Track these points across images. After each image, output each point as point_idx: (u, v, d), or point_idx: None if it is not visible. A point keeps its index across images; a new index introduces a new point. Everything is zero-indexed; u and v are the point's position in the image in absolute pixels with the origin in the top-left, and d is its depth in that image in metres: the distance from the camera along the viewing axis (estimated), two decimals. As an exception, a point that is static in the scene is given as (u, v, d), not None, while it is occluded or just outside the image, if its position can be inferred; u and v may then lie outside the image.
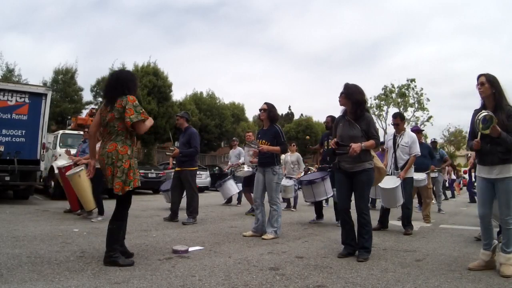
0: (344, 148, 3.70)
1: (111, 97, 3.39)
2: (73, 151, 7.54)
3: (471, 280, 3.02)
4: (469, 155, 9.80)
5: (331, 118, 6.12)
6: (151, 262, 3.38)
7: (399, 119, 5.58)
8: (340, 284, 2.84)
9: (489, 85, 3.22)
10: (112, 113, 3.35)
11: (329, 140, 4.12)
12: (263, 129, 5.12)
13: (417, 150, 5.40)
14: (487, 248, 3.33)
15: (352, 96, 3.82)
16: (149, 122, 3.48)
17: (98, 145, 3.60)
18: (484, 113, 3.07)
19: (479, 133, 3.15)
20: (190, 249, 3.93)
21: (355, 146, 3.60)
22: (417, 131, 6.88)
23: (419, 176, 6.22)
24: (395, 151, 5.48)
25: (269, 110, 4.95)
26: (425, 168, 6.51)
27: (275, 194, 4.89)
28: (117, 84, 3.41)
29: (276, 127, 4.94)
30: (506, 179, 3.16)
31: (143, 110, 3.41)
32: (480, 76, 3.28)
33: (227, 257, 3.68)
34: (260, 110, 5.04)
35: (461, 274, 3.19)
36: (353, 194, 3.90)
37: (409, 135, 5.48)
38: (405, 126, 5.74)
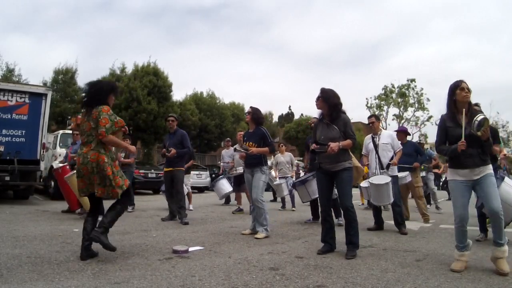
0: (323, 147, 3.86)
1: (91, 106, 3.51)
2: (63, 152, 7.59)
3: (471, 280, 3.02)
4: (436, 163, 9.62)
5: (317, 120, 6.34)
6: (151, 262, 3.38)
7: (374, 119, 5.88)
8: (340, 284, 2.85)
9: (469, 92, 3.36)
10: (89, 122, 3.48)
11: (311, 142, 4.27)
12: (249, 131, 5.34)
13: (399, 144, 5.72)
14: (466, 249, 3.40)
15: (329, 99, 3.99)
16: (113, 142, 3.47)
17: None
18: (481, 116, 3.16)
19: (463, 136, 3.21)
20: (190, 249, 3.93)
21: (333, 145, 3.77)
22: (403, 131, 7.03)
23: (400, 174, 6.29)
24: (377, 152, 5.66)
25: (253, 113, 5.25)
26: (409, 167, 6.57)
27: (261, 192, 5.02)
28: (96, 94, 3.53)
29: (262, 129, 5.19)
30: (486, 175, 3.27)
31: (118, 119, 3.48)
32: (463, 82, 3.37)
33: (227, 257, 3.68)
34: (245, 113, 5.36)
35: (461, 274, 3.19)
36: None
37: (386, 134, 5.79)
38: (380, 126, 6.04)
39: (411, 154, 6.65)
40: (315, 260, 3.60)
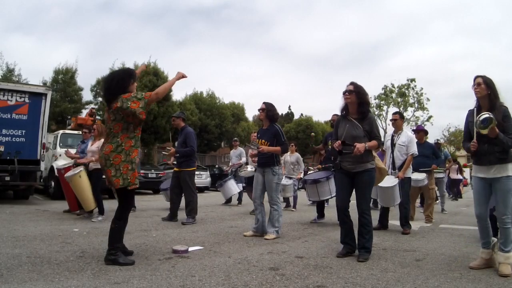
0: (348, 147, 3.68)
1: (108, 99, 3.39)
2: (72, 151, 7.57)
3: (471, 280, 3.02)
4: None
5: (337, 117, 6.13)
6: (151, 262, 3.38)
7: (398, 116, 5.68)
8: (340, 284, 2.84)
9: (485, 86, 3.30)
10: (109, 114, 3.39)
11: (332, 140, 4.10)
12: (263, 128, 5.10)
13: (414, 149, 5.44)
14: (486, 246, 3.37)
15: (363, 96, 3.83)
16: (161, 89, 3.52)
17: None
18: (485, 114, 3.11)
19: (475, 134, 3.20)
20: (190, 249, 3.93)
21: (360, 146, 3.58)
22: (422, 130, 6.84)
23: (419, 176, 6.20)
24: (392, 151, 5.52)
25: (267, 109, 4.95)
26: (427, 168, 6.49)
27: (275, 194, 4.89)
28: (112, 85, 3.41)
29: (276, 127, 4.94)
30: (503, 178, 3.22)
31: (144, 93, 3.42)
32: (476, 77, 3.37)
33: (227, 257, 3.68)
34: (259, 110, 5.05)
35: (461, 274, 3.19)
36: (354, 194, 3.90)
37: (406, 135, 5.54)
38: (403, 126, 5.80)
39: (429, 155, 6.49)
40: (315, 260, 3.60)
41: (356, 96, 3.80)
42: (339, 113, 4.16)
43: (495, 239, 3.43)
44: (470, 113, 3.44)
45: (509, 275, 3.10)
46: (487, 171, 3.30)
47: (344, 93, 3.86)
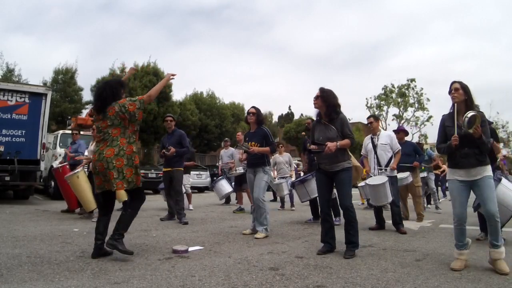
0: (320, 147, 3.86)
1: (102, 106, 3.54)
2: (62, 152, 7.74)
3: (471, 280, 3.02)
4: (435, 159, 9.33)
5: (311, 121, 6.31)
6: (151, 262, 3.38)
7: (372, 119, 5.91)
8: (340, 284, 2.85)
9: (463, 92, 3.37)
10: (105, 120, 3.51)
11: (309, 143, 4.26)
12: (250, 131, 5.33)
13: (398, 146, 5.72)
14: (465, 247, 3.43)
15: (328, 99, 3.99)
16: (153, 92, 3.70)
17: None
18: (471, 112, 3.16)
19: (455, 131, 3.25)
20: (190, 249, 3.93)
21: (331, 145, 3.77)
22: (402, 130, 7.10)
23: (401, 174, 6.30)
24: (375, 152, 5.69)
25: (257, 113, 5.25)
26: (409, 166, 6.62)
27: (262, 192, 5.01)
28: (107, 93, 3.56)
29: (264, 129, 5.20)
30: (484, 177, 3.28)
31: (136, 97, 3.62)
32: (454, 82, 3.43)
33: (227, 257, 3.68)
34: (248, 113, 5.32)
35: (461, 274, 3.19)
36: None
37: (385, 135, 5.80)
38: (380, 126, 6.08)
39: (410, 154, 6.70)
40: (315, 260, 3.60)
41: (322, 100, 4.00)
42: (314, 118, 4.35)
43: (469, 240, 3.50)
44: (446, 117, 3.52)
45: (508, 272, 3.12)
46: (467, 174, 3.34)
47: (314, 99, 4.07)
